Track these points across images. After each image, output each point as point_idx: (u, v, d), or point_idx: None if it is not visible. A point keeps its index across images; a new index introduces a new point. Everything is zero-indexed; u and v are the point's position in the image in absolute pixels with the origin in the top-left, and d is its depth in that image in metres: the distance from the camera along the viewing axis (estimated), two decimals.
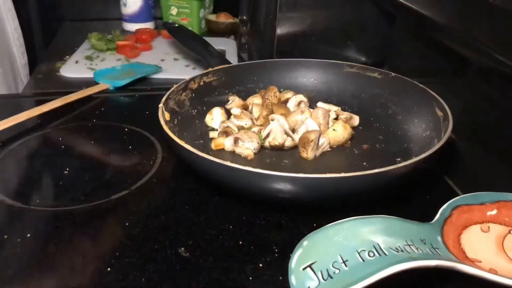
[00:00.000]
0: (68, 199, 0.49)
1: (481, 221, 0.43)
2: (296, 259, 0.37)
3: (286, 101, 0.62)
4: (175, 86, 0.59)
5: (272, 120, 0.56)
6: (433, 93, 0.56)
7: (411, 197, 0.51)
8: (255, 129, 0.56)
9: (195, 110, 0.61)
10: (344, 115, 0.59)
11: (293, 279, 0.36)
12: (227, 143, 0.55)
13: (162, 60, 0.91)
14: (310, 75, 0.68)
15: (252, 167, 0.42)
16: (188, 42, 0.85)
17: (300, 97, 0.62)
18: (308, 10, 0.74)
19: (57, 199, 0.50)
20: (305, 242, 0.38)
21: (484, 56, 0.47)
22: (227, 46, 0.99)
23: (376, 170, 0.41)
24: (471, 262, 0.38)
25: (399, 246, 0.36)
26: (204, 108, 0.62)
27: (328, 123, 0.57)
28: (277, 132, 0.54)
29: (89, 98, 0.72)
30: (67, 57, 0.91)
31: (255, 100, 0.63)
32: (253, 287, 0.39)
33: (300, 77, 0.68)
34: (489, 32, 0.47)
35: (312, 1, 0.74)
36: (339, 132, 0.55)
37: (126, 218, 0.46)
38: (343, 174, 0.40)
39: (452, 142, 0.55)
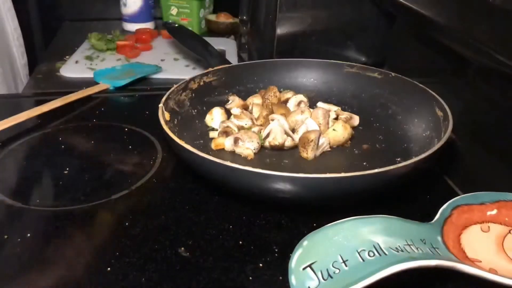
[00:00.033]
0: (68, 199, 0.49)
1: (481, 221, 0.43)
2: (296, 259, 0.37)
3: (286, 101, 0.62)
4: (175, 86, 0.59)
5: (272, 120, 0.56)
6: (433, 93, 0.56)
7: (411, 197, 0.51)
8: (255, 129, 0.56)
9: (195, 110, 0.61)
10: (344, 115, 0.59)
11: (293, 279, 0.36)
12: (227, 143, 0.55)
13: (162, 60, 0.91)
14: (310, 75, 0.68)
15: (252, 167, 0.42)
16: (188, 42, 0.85)
17: (300, 97, 0.62)
18: (308, 10, 0.75)
19: (57, 199, 0.50)
20: (305, 242, 0.38)
21: (484, 56, 0.47)
22: (227, 46, 0.99)
23: (376, 170, 0.41)
24: (471, 262, 0.38)
25: (399, 246, 0.36)
26: (204, 108, 0.62)
27: (328, 123, 0.57)
28: (277, 132, 0.54)
29: (89, 98, 0.72)
30: (67, 57, 0.91)
31: (255, 100, 0.63)
32: (253, 287, 0.39)
33: (300, 77, 0.68)
34: (489, 32, 0.47)
35: (312, 1, 0.74)
36: (339, 132, 0.55)
37: (126, 218, 0.46)
38: (343, 174, 0.40)
39: (452, 142, 0.55)
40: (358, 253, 0.36)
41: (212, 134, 0.58)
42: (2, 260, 0.41)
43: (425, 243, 0.38)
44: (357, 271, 0.34)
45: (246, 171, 0.41)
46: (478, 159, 0.54)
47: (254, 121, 0.59)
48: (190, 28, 0.96)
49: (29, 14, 1.08)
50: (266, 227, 0.46)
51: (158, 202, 0.49)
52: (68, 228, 0.45)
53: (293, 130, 0.56)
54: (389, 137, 0.58)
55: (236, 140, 0.54)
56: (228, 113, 0.61)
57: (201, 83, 0.63)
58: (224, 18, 1.10)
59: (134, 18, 1.08)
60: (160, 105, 0.53)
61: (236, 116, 0.58)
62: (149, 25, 1.10)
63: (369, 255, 0.36)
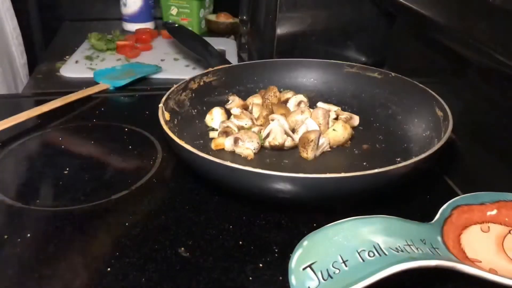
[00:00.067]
0: (68, 199, 0.49)
1: (481, 221, 0.43)
2: (296, 259, 0.37)
3: (286, 101, 0.62)
4: (175, 86, 0.59)
5: (272, 120, 0.56)
6: (433, 93, 0.56)
7: (411, 197, 0.51)
8: (255, 129, 0.56)
9: (195, 110, 0.61)
10: (344, 115, 0.59)
11: (293, 279, 0.36)
12: (227, 143, 0.55)
13: (162, 60, 0.91)
14: (310, 75, 0.68)
15: (252, 167, 0.42)
16: (188, 42, 0.85)
17: (300, 97, 0.62)
18: (308, 10, 0.74)
19: (57, 199, 0.50)
20: (305, 242, 0.38)
21: (484, 56, 0.47)
22: (227, 46, 0.99)
23: (376, 170, 0.41)
24: (471, 262, 0.38)
25: (399, 246, 0.36)
26: (204, 108, 0.62)
27: (328, 123, 0.57)
28: (277, 132, 0.54)
29: (89, 98, 0.72)
30: (67, 57, 0.91)
31: (255, 100, 0.63)
32: (253, 287, 0.39)
33: (300, 77, 0.68)
34: (489, 32, 0.47)
35: (312, 1, 0.74)
36: (339, 132, 0.55)
37: (126, 218, 0.46)
38: (343, 174, 0.40)
39: (452, 142, 0.55)
40: (358, 253, 0.36)
41: (212, 134, 0.58)
42: (2, 260, 0.41)
43: (425, 243, 0.38)
44: (357, 271, 0.34)
45: (246, 171, 0.41)
46: (478, 159, 0.54)
47: (254, 121, 0.59)
48: (190, 28, 0.96)
49: (29, 14, 1.08)
50: (266, 227, 0.46)
51: (158, 202, 0.49)
52: (68, 228, 0.45)
53: (293, 130, 0.56)
54: (389, 137, 0.58)
55: (236, 140, 0.54)
56: (228, 113, 0.61)
57: (201, 83, 0.63)
58: (224, 18, 1.10)
59: (134, 18, 1.08)
60: (160, 105, 0.53)
61: (236, 116, 0.58)
62: (149, 25, 1.10)
63: (369, 255, 0.36)
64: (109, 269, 0.40)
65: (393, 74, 0.63)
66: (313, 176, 0.41)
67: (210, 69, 0.64)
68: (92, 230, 0.45)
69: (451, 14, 0.54)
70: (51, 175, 0.54)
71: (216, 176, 0.46)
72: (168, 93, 0.57)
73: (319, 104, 0.62)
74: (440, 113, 0.53)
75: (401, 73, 0.62)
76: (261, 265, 0.41)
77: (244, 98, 0.64)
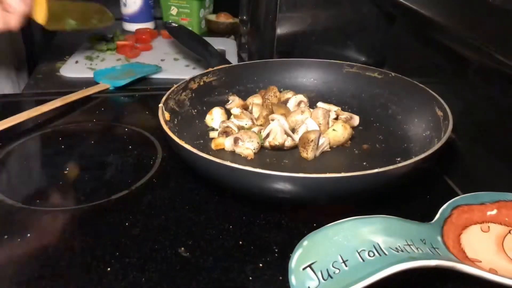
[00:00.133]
0: (68, 199, 0.49)
1: (481, 221, 0.43)
2: (296, 259, 0.37)
3: (286, 101, 0.62)
4: (175, 86, 0.59)
5: (272, 120, 0.56)
6: (433, 93, 0.56)
7: (411, 197, 0.51)
8: (255, 129, 0.56)
9: (195, 110, 0.61)
10: (344, 115, 0.59)
11: (293, 279, 0.36)
12: (227, 143, 0.55)
13: (162, 60, 0.91)
14: (310, 75, 0.68)
15: (252, 167, 0.42)
16: (188, 42, 0.85)
17: (300, 97, 0.62)
18: (308, 10, 0.74)
19: (57, 199, 0.50)
20: (305, 242, 0.38)
21: (484, 56, 0.47)
22: (227, 46, 0.99)
23: (376, 170, 0.41)
24: (471, 262, 0.38)
25: (399, 246, 0.36)
26: (204, 108, 0.62)
27: (328, 123, 0.57)
28: (277, 132, 0.54)
29: (89, 98, 0.72)
30: (67, 57, 0.91)
31: (255, 100, 0.63)
32: (253, 287, 0.39)
33: (300, 77, 0.68)
34: (489, 32, 0.47)
35: (312, 1, 0.74)
36: (339, 132, 0.55)
37: (126, 218, 0.46)
38: (343, 174, 0.40)
39: (452, 142, 0.55)
40: (358, 253, 0.36)
41: (212, 134, 0.58)
42: (1, 260, 0.41)
43: (425, 243, 0.38)
44: (357, 271, 0.34)
45: (246, 171, 0.41)
46: (478, 159, 0.54)
47: (254, 121, 0.59)
48: (190, 28, 0.96)
49: None
50: (266, 227, 0.46)
51: (158, 202, 0.49)
52: (68, 228, 0.45)
53: (293, 130, 0.56)
54: (389, 137, 0.58)
55: (236, 140, 0.54)
56: (228, 113, 0.61)
57: (201, 83, 0.63)
58: (224, 18, 1.10)
59: (134, 18, 1.08)
60: (160, 105, 0.53)
61: (236, 116, 0.58)
62: (149, 25, 1.10)
63: (369, 255, 0.36)
64: (109, 269, 0.40)
65: (393, 74, 0.63)
66: (313, 176, 0.41)
67: (210, 69, 0.64)
68: (92, 230, 0.45)
69: (451, 14, 0.54)
70: (51, 175, 0.54)
71: (216, 176, 0.46)
72: (168, 93, 0.57)
73: (319, 104, 0.62)
74: (440, 113, 0.53)
75: (401, 73, 0.62)
76: (261, 265, 0.41)
77: (244, 98, 0.64)
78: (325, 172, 0.41)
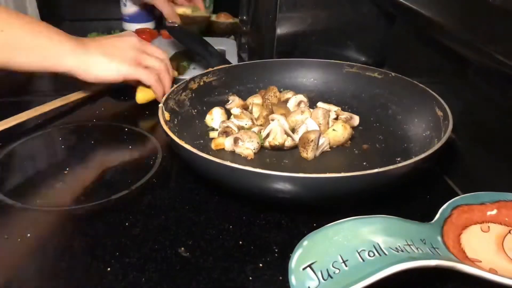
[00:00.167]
0: (68, 199, 0.49)
1: (481, 221, 0.43)
2: (296, 259, 0.37)
3: (286, 101, 0.62)
4: (175, 86, 0.59)
5: (272, 120, 0.56)
6: (433, 93, 0.56)
7: (411, 197, 0.51)
8: (255, 129, 0.56)
9: (195, 110, 0.61)
10: (344, 115, 0.59)
11: (293, 279, 0.36)
12: (227, 143, 0.55)
13: None
14: (310, 75, 0.68)
15: (252, 167, 0.42)
16: (188, 42, 0.85)
17: (300, 97, 0.62)
18: (308, 10, 0.74)
19: (57, 199, 0.50)
20: (305, 242, 0.38)
21: (484, 56, 0.47)
22: (227, 46, 0.99)
23: (376, 170, 0.41)
24: (471, 262, 0.38)
25: (399, 246, 0.36)
26: (204, 108, 0.62)
27: (328, 123, 0.57)
28: (277, 132, 0.54)
29: (88, 98, 0.72)
30: None
31: (255, 100, 0.63)
32: (253, 287, 0.39)
33: (300, 77, 0.68)
34: (489, 32, 0.47)
35: (312, 1, 0.74)
36: (339, 132, 0.55)
37: (126, 218, 0.46)
38: (343, 174, 0.40)
39: (452, 142, 0.55)
40: (358, 253, 0.36)
41: (212, 134, 0.58)
42: (2, 260, 0.41)
43: (425, 243, 0.38)
44: (357, 271, 0.34)
45: (246, 171, 0.41)
46: (478, 159, 0.54)
47: (254, 121, 0.59)
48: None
49: (29, 14, 1.08)
50: (266, 227, 0.46)
51: (158, 202, 0.49)
52: (68, 228, 0.45)
53: (293, 130, 0.56)
54: (389, 137, 0.58)
55: (236, 140, 0.54)
56: (228, 113, 0.61)
57: (201, 83, 0.63)
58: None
59: (134, 18, 1.08)
60: (160, 105, 0.53)
61: (236, 116, 0.58)
62: (149, 25, 1.10)
63: (369, 255, 0.36)
64: (109, 269, 0.40)
65: (393, 74, 0.63)
66: (313, 176, 0.41)
67: (210, 69, 0.64)
68: (92, 230, 0.45)
69: (451, 14, 0.54)
70: (51, 175, 0.54)
71: (216, 176, 0.46)
72: (168, 93, 0.57)
73: (319, 104, 0.62)
74: (440, 113, 0.53)
75: (401, 73, 0.62)
76: (261, 265, 0.41)
77: (244, 98, 0.64)
78: (325, 172, 0.41)
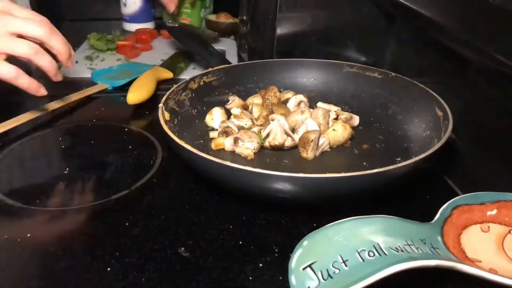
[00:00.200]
0: (69, 199, 0.49)
1: (481, 221, 0.43)
2: (296, 259, 0.37)
3: (286, 101, 0.62)
4: (175, 86, 0.59)
5: (272, 120, 0.56)
6: (433, 93, 0.56)
7: (411, 197, 0.51)
8: (255, 129, 0.56)
9: (195, 110, 0.61)
10: (344, 115, 0.59)
11: (293, 279, 0.36)
12: (227, 143, 0.55)
13: (162, 60, 0.90)
14: (310, 75, 0.68)
15: (252, 167, 0.42)
16: (188, 42, 0.85)
17: (300, 97, 0.62)
18: (308, 10, 0.74)
19: (57, 199, 0.50)
20: (305, 242, 0.38)
21: (484, 56, 0.47)
22: (227, 46, 0.99)
23: (376, 170, 0.41)
24: (471, 262, 0.38)
25: (399, 246, 0.36)
26: (204, 108, 0.62)
27: (328, 123, 0.57)
28: (277, 132, 0.54)
29: (88, 98, 0.72)
30: None
31: (255, 100, 0.63)
32: (253, 287, 0.39)
33: (300, 77, 0.68)
34: (489, 32, 0.47)
35: (312, 1, 0.74)
36: (339, 132, 0.55)
37: (126, 218, 0.46)
38: (343, 174, 0.40)
39: (452, 142, 0.55)
40: (358, 253, 0.36)
41: (212, 134, 0.58)
42: (2, 260, 0.41)
43: (425, 243, 0.38)
44: (357, 271, 0.34)
45: (246, 171, 0.41)
46: (478, 159, 0.54)
47: (254, 121, 0.59)
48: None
49: None
50: (266, 227, 0.46)
51: (158, 202, 0.49)
52: (68, 228, 0.45)
53: (293, 130, 0.56)
54: (389, 137, 0.58)
55: (236, 140, 0.54)
56: (228, 113, 0.61)
57: (201, 83, 0.63)
58: (224, 18, 1.10)
59: (134, 18, 1.08)
60: (160, 105, 0.53)
61: (236, 116, 0.58)
62: (149, 25, 1.10)
63: (369, 255, 0.36)
64: (109, 269, 0.40)
65: (393, 74, 0.63)
66: (313, 176, 0.41)
67: (210, 69, 0.64)
68: (92, 230, 0.45)
69: (451, 14, 0.54)
70: (51, 175, 0.54)
71: (216, 176, 0.46)
72: (168, 93, 0.57)
73: (319, 104, 0.62)
74: (440, 113, 0.53)
75: (401, 73, 0.62)
76: (261, 265, 0.41)
77: (244, 98, 0.64)
78: (325, 172, 0.41)
